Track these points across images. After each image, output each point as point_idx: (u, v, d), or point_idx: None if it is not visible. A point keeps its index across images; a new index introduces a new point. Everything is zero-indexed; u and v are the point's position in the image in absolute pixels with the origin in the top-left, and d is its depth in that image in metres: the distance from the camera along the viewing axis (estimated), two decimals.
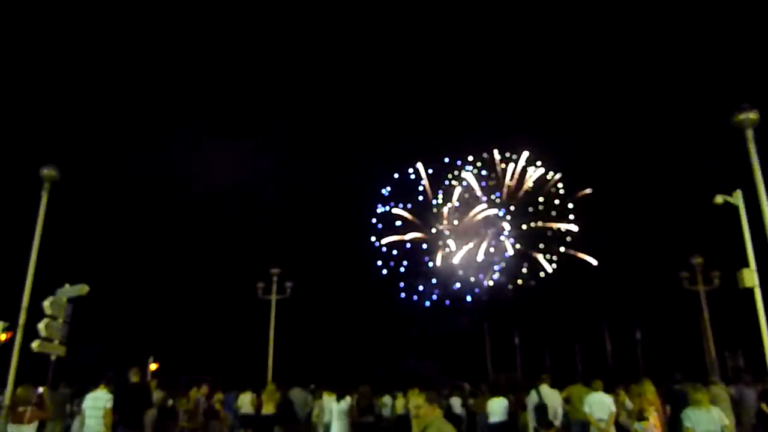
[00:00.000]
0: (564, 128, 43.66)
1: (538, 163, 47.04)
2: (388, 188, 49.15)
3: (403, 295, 46.39)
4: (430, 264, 47.30)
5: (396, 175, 49.10)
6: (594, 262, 42.96)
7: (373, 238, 48.07)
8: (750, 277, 12.57)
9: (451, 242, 47.47)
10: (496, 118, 45.67)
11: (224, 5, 45.07)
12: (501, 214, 47.05)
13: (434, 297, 46.29)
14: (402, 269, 47.58)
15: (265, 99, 47.57)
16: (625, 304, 35.38)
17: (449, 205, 48.34)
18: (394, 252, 48.10)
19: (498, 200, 47.88)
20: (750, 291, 12.81)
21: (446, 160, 48.60)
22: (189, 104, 42.28)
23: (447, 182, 48.90)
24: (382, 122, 47.02)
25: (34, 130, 32.41)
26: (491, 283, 45.50)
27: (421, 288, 46.53)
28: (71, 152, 28.67)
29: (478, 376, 34.70)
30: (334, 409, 12.32)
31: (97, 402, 9.47)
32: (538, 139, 45.60)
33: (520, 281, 45.30)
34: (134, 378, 10.59)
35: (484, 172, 48.63)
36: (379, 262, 47.70)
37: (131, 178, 38.51)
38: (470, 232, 47.25)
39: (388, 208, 49.07)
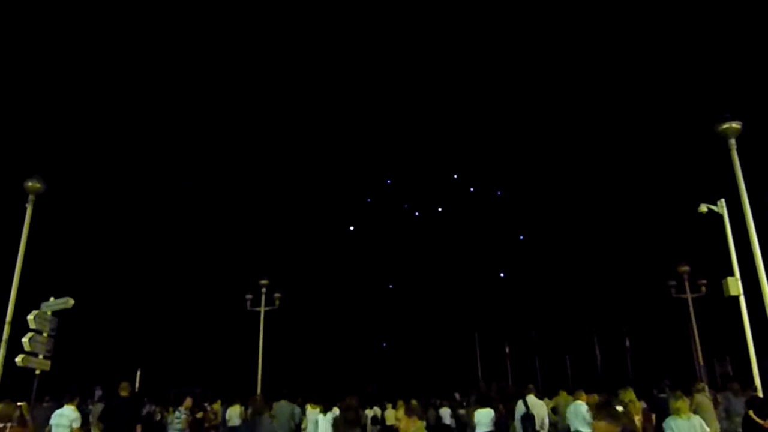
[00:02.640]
0: (548, 138, 43.92)
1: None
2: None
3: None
4: None
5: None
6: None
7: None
8: (735, 285, 12.67)
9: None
10: (481, 123, 45.83)
11: (206, 15, 45.09)
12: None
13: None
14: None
15: (252, 110, 47.54)
16: (614, 312, 35.53)
17: None
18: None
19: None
20: (736, 299, 12.91)
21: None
22: (177, 117, 42.20)
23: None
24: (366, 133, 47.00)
25: (19, 142, 32.21)
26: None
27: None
28: (56, 164, 28.47)
29: (468, 385, 34.61)
30: (320, 422, 12.26)
31: (62, 419, 9.37)
32: (521, 147, 45.78)
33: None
34: (123, 392, 10.50)
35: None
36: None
37: (117, 191, 38.30)
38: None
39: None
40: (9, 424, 7.97)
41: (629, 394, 10.28)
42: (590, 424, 10.33)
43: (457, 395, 23.21)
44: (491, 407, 13.31)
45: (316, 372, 33.57)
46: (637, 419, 9.83)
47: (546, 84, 44.30)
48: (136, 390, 25.08)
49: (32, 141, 32.82)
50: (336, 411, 12.73)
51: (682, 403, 7.86)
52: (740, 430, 12.86)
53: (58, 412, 9.59)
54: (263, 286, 24.65)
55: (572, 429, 10.65)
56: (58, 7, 37.52)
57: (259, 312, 24.54)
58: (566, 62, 43.33)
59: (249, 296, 24.82)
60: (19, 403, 11.16)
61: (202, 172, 39.95)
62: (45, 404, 15.03)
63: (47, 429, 9.61)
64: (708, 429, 7.86)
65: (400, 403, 17.33)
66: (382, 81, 47.50)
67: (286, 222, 42.43)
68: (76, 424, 9.33)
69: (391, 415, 19.25)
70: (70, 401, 9.65)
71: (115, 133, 39.34)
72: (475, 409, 13.41)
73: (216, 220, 40.61)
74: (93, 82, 38.74)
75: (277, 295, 24.80)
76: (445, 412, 19.92)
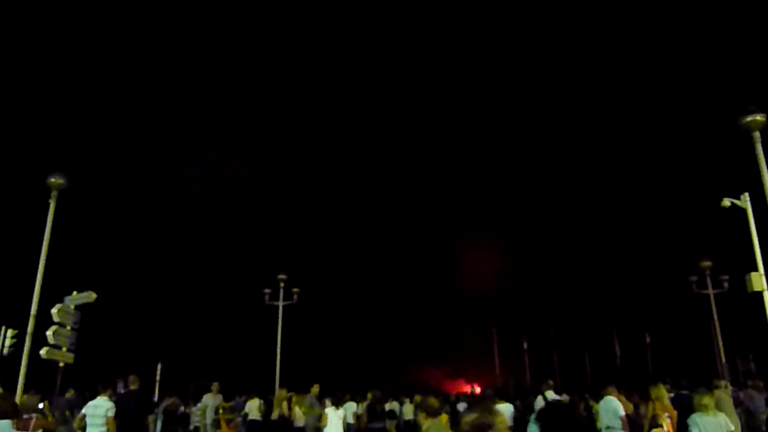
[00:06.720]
0: (573, 132, 43.58)
1: None
2: None
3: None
4: None
5: None
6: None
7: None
8: (758, 281, 12.41)
9: None
10: (513, 109, 45.57)
11: (222, 18, 45.39)
12: None
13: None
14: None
15: (272, 107, 47.75)
16: (634, 307, 35.13)
17: None
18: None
19: None
20: (760, 294, 12.66)
21: None
22: (197, 113, 42.53)
23: None
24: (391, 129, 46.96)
25: (42, 138, 32.67)
26: None
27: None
28: (78, 160, 28.85)
29: (486, 380, 34.43)
30: (330, 416, 12.19)
31: (97, 410, 9.43)
32: (545, 142, 45.52)
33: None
34: (133, 385, 10.63)
35: None
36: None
37: (138, 186, 38.73)
38: None
39: None
40: (35, 415, 8.07)
41: (659, 391, 9.98)
42: (620, 419, 10.15)
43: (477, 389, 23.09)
44: (510, 402, 13.24)
45: (334, 366, 33.69)
46: (666, 416, 9.56)
47: (572, 78, 43.98)
48: (157, 383, 25.39)
49: (55, 137, 33.28)
50: (347, 405, 12.67)
51: (709, 400, 7.67)
52: (764, 428, 12.68)
53: (92, 403, 9.64)
54: (282, 280, 24.81)
55: (602, 425, 10.38)
56: (83, 7, 37.99)
57: (278, 306, 24.68)
58: (592, 57, 42.93)
59: (267, 291, 24.97)
60: (40, 404, 11.32)
61: (222, 169, 40.24)
62: (67, 395, 15.26)
63: (79, 419, 9.69)
64: (732, 426, 7.70)
65: (417, 398, 17.32)
66: (383, 81, 47.52)
67: (305, 217, 42.62)
68: (111, 413, 9.40)
69: (409, 410, 19.23)
70: (104, 392, 9.73)
71: (137, 131, 39.76)
72: (494, 404, 13.31)
73: (235, 215, 40.91)
74: (116, 80, 39.21)
75: (295, 290, 24.93)
76: (462, 407, 19.82)
